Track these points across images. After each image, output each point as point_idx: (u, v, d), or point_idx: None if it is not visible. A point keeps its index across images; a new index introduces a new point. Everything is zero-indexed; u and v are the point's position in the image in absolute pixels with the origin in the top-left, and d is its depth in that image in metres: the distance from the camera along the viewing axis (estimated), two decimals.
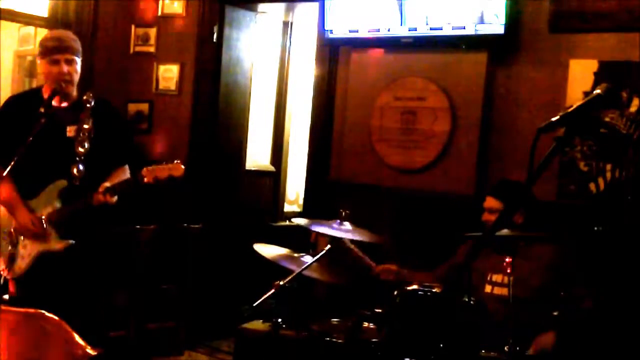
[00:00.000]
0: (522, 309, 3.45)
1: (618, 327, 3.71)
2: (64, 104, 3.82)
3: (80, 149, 3.75)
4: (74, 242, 3.75)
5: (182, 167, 3.67)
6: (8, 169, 3.42)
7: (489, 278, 3.79)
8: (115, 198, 3.70)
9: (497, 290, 3.72)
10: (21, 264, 3.74)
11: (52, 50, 3.76)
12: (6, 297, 3.25)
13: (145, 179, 3.65)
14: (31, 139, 3.48)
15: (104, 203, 3.68)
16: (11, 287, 3.74)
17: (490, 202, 3.87)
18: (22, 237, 3.76)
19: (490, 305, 3.54)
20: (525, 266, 3.65)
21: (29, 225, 3.72)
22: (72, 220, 3.74)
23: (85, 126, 3.78)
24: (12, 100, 4.03)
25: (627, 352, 3.70)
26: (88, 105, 3.83)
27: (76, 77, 3.81)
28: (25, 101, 3.87)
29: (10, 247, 3.76)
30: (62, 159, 3.75)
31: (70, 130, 3.78)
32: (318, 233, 4.03)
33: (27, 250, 3.75)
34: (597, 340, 3.56)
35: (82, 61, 3.89)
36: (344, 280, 3.80)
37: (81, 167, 3.75)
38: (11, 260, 3.74)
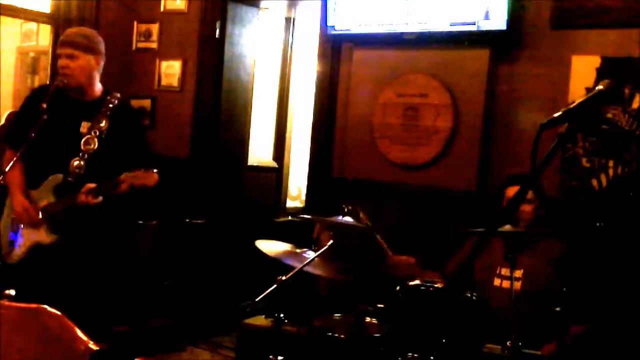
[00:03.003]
0: (530, 303, 3.46)
1: (619, 325, 3.72)
2: (84, 99, 3.85)
3: (87, 146, 3.76)
4: (60, 237, 3.75)
5: (156, 176, 3.67)
6: (16, 158, 3.50)
7: (498, 271, 3.78)
8: (99, 199, 3.68)
9: (506, 284, 3.71)
10: (18, 251, 3.80)
11: (58, 45, 3.88)
12: (12, 292, 3.25)
13: (122, 185, 3.65)
14: (42, 130, 3.54)
15: (86, 203, 3.68)
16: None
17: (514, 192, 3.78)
18: (21, 226, 3.79)
19: (499, 298, 3.54)
20: (534, 261, 3.66)
21: (21, 212, 3.75)
22: (62, 215, 3.75)
23: (100, 125, 3.79)
24: (40, 90, 4.07)
25: (629, 353, 3.70)
26: (110, 105, 3.85)
27: (79, 72, 3.79)
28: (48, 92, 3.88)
29: (10, 234, 3.81)
30: (68, 153, 3.76)
31: (84, 126, 3.80)
32: (321, 228, 4.04)
33: (24, 240, 3.80)
34: (599, 338, 3.56)
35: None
36: (346, 276, 3.79)
37: (81, 163, 3.75)
38: (10, 246, 3.78)
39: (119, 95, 3.92)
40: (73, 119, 3.80)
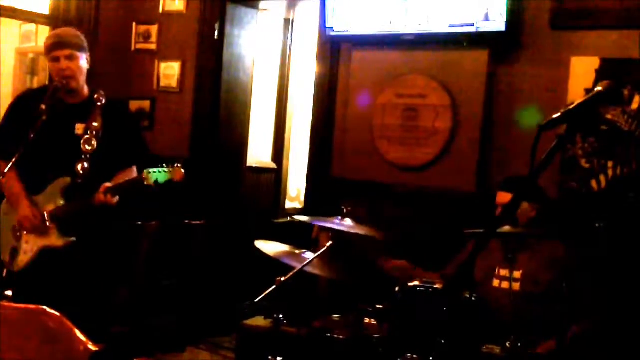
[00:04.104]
0: (530, 304, 3.46)
1: (619, 326, 3.72)
2: (74, 101, 3.84)
3: (87, 147, 3.76)
4: (74, 239, 3.76)
5: (183, 171, 3.68)
6: (11, 163, 3.44)
7: (497, 272, 3.78)
8: (116, 198, 3.71)
9: (505, 285, 3.70)
10: (23, 258, 3.76)
11: (52, 48, 3.78)
12: (9, 292, 3.26)
13: (146, 182, 3.66)
14: (37, 134, 3.51)
15: (104, 203, 3.69)
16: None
17: (504, 197, 3.80)
18: (25, 232, 3.77)
19: (498, 299, 3.54)
20: (534, 262, 3.66)
21: (30, 218, 3.73)
22: (74, 217, 3.75)
23: (95, 124, 3.79)
24: (25, 96, 4.05)
25: (629, 352, 3.70)
26: (99, 104, 3.85)
27: (79, 73, 3.81)
28: (36, 97, 3.87)
29: (13, 241, 3.78)
30: (68, 156, 3.76)
31: (79, 128, 3.80)
32: (320, 229, 4.04)
33: (30, 246, 3.77)
34: (599, 339, 3.56)
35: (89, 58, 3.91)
36: (345, 277, 3.80)
37: (86, 165, 3.75)
38: (13, 254, 3.76)
39: (103, 92, 3.91)
40: (66, 121, 3.78)
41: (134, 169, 3.93)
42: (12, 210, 3.83)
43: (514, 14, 4.51)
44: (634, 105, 4.17)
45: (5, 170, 3.56)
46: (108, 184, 3.69)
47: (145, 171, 3.66)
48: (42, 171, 3.78)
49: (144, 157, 4.00)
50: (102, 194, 3.67)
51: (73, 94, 3.83)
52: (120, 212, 3.90)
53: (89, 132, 3.78)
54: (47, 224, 3.75)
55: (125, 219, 4.63)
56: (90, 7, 6.03)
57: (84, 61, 3.83)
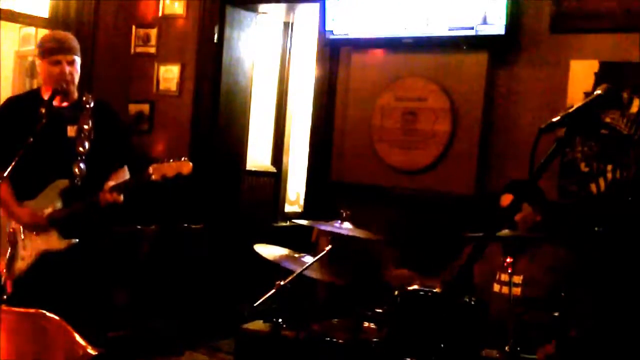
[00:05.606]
0: (530, 309, 3.45)
1: (618, 330, 3.72)
2: (65, 104, 3.83)
3: (81, 149, 3.75)
4: (77, 241, 3.74)
5: (190, 164, 3.65)
6: (8, 170, 3.40)
7: (497, 277, 3.78)
8: (122, 197, 3.69)
9: (506, 290, 3.70)
10: (21, 264, 3.73)
11: (53, 51, 3.75)
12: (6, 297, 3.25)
13: (153, 177, 3.62)
14: (32, 139, 3.47)
15: (111, 202, 3.67)
16: (8, 288, 3.72)
17: (509, 200, 3.79)
18: (22, 238, 3.75)
19: (498, 304, 3.54)
20: (533, 266, 3.65)
21: (29, 218, 3.72)
22: (75, 219, 3.74)
23: (85, 126, 3.78)
24: (11, 102, 4.02)
25: (628, 356, 3.70)
26: (88, 105, 3.84)
27: (77, 77, 3.81)
28: (24, 102, 3.86)
29: (10, 248, 3.75)
30: (63, 159, 3.75)
31: (71, 130, 3.78)
32: (319, 233, 4.04)
33: (28, 251, 3.74)
34: (598, 343, 3.56)
35: (82, 61, 3.89)
36: (345, 281, 3.79)
37: (82, 166, 3.75)
38: (10, 261, 3.73)
39: (90, 94, 3.90)
40: (57, 124, 3.76)
41: (126, 169, 3.93)
42: (5, 217, 3.81)
43: (513, 17, 4.51)
44: (633, 109, 4.17)
45: (5, 175, 3.54)
46: (112, 183, 3.68)
47: (152, 166, 3.63)
48: (38, 174, 3.75)
49: (133, 156, 4.00)
50: (107, 193, 3.65)
51: (65, 97, 3.82)
52: (121, 215, 3.89)
53: (81, 134, 3.77)
54: (46, 221, 3.73)
55: (125, 222, 4.63)
56: (89, 10, 6.04)
57: (79, 65, 3.83)
